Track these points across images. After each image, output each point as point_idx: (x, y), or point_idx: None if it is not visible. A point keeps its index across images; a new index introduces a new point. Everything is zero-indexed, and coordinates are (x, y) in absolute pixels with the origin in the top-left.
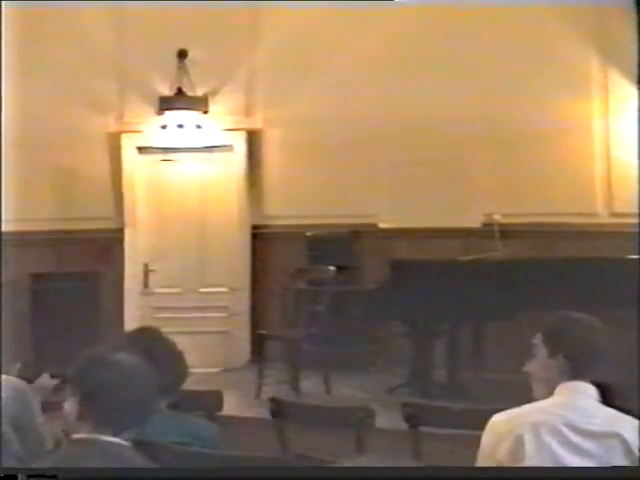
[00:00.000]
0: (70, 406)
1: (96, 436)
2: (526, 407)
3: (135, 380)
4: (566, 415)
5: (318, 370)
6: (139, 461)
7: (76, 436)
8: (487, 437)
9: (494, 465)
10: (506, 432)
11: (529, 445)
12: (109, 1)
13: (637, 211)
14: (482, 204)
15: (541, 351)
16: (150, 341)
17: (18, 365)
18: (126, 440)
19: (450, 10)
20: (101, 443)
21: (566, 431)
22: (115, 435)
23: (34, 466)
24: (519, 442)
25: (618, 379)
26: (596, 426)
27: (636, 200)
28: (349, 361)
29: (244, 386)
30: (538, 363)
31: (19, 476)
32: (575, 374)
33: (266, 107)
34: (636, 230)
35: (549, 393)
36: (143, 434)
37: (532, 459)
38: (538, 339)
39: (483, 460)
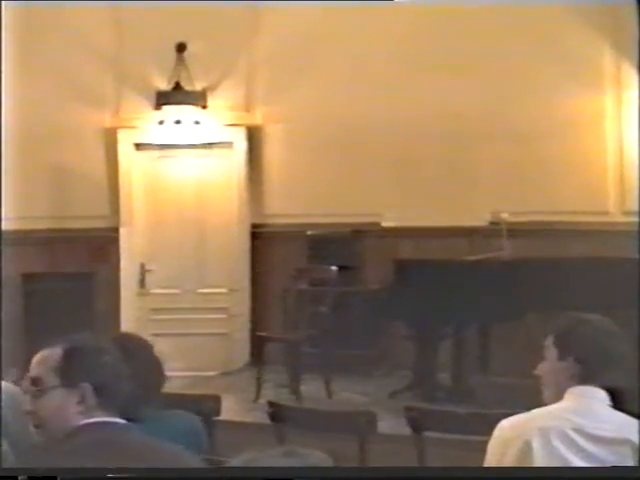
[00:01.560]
0: (62, 399)
1: (116, 419)
2: (534, 412)
3: (121, 363)
4: (575, 420)
5: (319, 373)
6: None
7: (92, 420)
8: (494, 443)
9: None
10: (513, 438)
11: (537, 451)
12: (107, 1)
13: None
14: (489, 202)
15: (552, 354)
16: (127, 346)
17: (14, 370)
18: None
19: (459, 4)
20: (120, 426)
21: (575, 436)
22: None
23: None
24: (527, 448)
25: (631, 383)
26: (606, 431)
27: None
28: (351, 364)
29: (243, 389)
30: (548, 366)
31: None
32: (585, 378)
33: (267, 102)
34: None
35: (559, 397)
36: None
37: (540, 465)
38: (549, 341)
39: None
